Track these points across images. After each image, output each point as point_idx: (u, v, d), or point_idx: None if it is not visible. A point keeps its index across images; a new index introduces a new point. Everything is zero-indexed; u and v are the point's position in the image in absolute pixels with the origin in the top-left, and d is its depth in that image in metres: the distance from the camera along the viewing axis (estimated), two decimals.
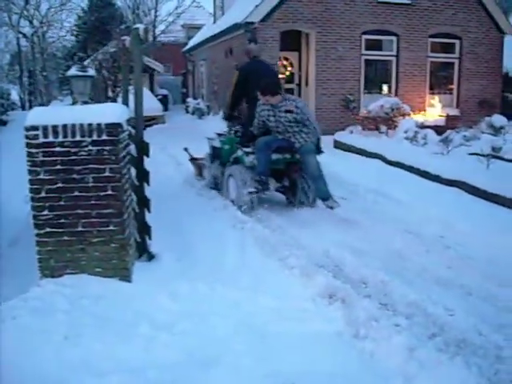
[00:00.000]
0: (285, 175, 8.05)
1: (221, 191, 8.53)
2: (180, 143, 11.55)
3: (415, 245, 6.44)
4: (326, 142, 14.12)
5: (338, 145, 13.79)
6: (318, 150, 7.83)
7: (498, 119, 14.95)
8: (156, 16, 35.16)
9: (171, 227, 6.45)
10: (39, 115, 4.55)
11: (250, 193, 7.52)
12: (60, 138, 4.45)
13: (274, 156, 7.72)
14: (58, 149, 4.46)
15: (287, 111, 7.58)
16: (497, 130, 14.30)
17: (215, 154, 8.95)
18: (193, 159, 10.19)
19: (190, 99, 25.81)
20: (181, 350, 3.68)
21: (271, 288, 4.88)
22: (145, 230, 5.44)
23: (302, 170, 7.75)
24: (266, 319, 4.25)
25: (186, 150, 10.45)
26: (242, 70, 9.01)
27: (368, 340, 4.00)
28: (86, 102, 10.66)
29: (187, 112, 24.54)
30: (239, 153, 8.05)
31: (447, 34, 16.82)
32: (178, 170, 11.26)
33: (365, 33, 15.94)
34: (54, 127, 4.42)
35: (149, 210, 5.47)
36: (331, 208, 7.46)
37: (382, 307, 4.64)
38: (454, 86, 17.38)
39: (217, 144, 8.88)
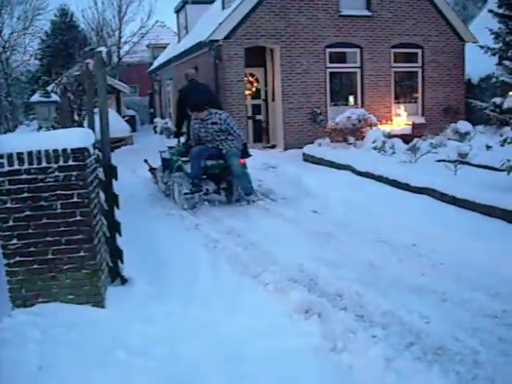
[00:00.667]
0: (221, 178, 9.43)
1: (171, 196, 9.76)
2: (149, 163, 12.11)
3: (388, 254, 6.48)
4: (295, 155, 14.28)
5: (307, 158, 13.86)
6: (247, 154, 9.58)
7: (463, 125, 15.20)
8: (120, 37, 35.02)
9: (143, 249, 6.40)
10: (3, 143, 4.48)
11: (186, 194, 8.88)
12: (26, 165, 4.38)
13: (209, 162, 9.18)
14: (24, 176, 4.39)
15: (213, 123, 9.08)
16: (462, 136, 14.53)
17: (165, 165, 10.32)
18: (151, 169, 11.64)
19: (157, 119, 25.74)
20: (157, 375, 3.63)
21: (246, 306, 4.86)
22: (117, 254, 5.38)
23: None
24: (242, 338, 4.23)
25: (145, 161, 11.87)
26: (180, 91, 10.94)
27: (345, 353, 4.00)
28: (52, 127, 10.58)
29: (155, 132, 24.46)
30: (179, 162, 9.53)
31: (409, 44, 17.07)
32: (146, 189, 11.22)
33: (329, 46, 16.10)
34: (19, 154, 4.36)
35: (120, 234, 5.41)
36: (253, 201, 9.09)
37: (359, 319, 4.65)
38: (419, 95, 17.62)
39: (166, 156, 10.39)
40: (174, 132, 11.32)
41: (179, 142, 10.75)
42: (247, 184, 9.15)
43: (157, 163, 11.25)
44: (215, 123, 9.09)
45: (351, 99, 16.84)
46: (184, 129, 11.11)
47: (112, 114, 14.86)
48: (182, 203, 9.05)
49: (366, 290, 5.19)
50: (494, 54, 15.80)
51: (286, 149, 15.56)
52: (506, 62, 15.43)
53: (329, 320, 4.49)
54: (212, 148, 9.15)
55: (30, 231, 4.46)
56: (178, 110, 10.91)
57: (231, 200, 9.48)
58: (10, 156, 4.35)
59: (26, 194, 4.41)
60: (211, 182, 9.38)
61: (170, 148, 10.72)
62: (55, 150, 4.40)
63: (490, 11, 16.39)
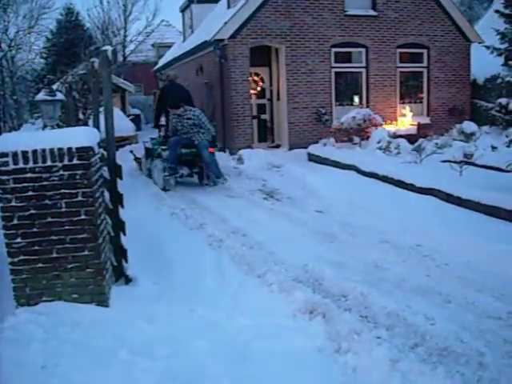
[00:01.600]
0: (194, 164, 11.19)
1: (152, 179, 11.57)
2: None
3: (393, 255, 6.46)
4: (300, 155, 14.26)
5: (312, 158, 13.83)
6: (215, 145, 11.32)
7: (469, 126, 15.14)
8: (125, 36, 35.11)
9: (148, 249, 6.38)
10: (8, 141, 4.48)
11: (165, 176, 10.70)
12: (30, 164, 4.38)
13: (184, 150, 10.91)
14: (28, 175, 4.39)
15: (188, 118, 10.78)
16: (468, 137, 14.49)
17: (148, 153, 12.23)
18: (136, 158, 13.42)
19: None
20: (160, 374, 3.62)
21: (250, 306, 4.84)
22: (121, 253, 5.37)
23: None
24: (246, 338, 4.21)
25: (131, 151, 13.69)
26: (161, 90, 12.97)
27: (350, 354, 3.98)
28: (57, 126, 10.58)
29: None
30: (159, 150, 11.30)
31: (415, 44, 17.01)
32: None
33: (334, 46, 16.04)
34: (24, 153, 4.36)
35: (124, 233, 5.40)
36: (222, 184, 10.74)
37: (363, 320, 4.64)
38: (424, 95, 17.55)
39: (149, 146, 12.17)
40: (154, 124, 13.55)
41: (159, 134, 12.72)
42: (216, 169, 10.81)
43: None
44: (190, 118, 10.79)
45: (356, 99, 16.78)
46: (163, 122, 13.04)
47: (117, 112, 14.91)
48: (160, 184, 10.86)
49: (371, 290, 5.18)
50: (499, 55, 15.73)
51: (290, 148, 15.53)
52: None
53: (333, 321, 4.48)
54: (186, 139, 10.83)
55: (35, 230, 4.46)
56: (157, 106, 13.10)
57: (202, 182, 11.34)
58: (14, 154, 4.34)
59: (30, 193, 4.41)
60: (186, 167, 11.17)
61: (152, 139, 12.45)
62: (60, 149, 4.39)
63: (497, 11, 16.32)
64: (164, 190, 10.66)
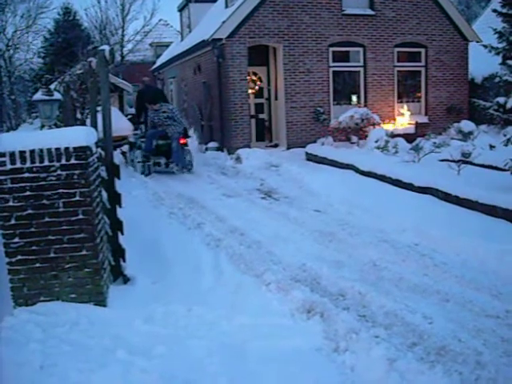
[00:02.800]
0: (169, 154, 12.70)
1: (134, 168, 13.05)
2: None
3: (391, 254, 6.46)
4: (298, 154, 14.26)
5: (310, 157, 13.83)
6: (187, 136, 13.21)
7: (467, 125, 15.16)
8: (123, 35, 35.02)
9: (146, 248, 6.38)
10: (6, 141, 4.47)
11: (139, 162, 12.70)
12: (28, 164, 4.38)
13: (160, 142, 12.70)
14: (26, 175, 4.39)
15: (163, 112, 12.64)
16: (466, 136, 14.50)
17: (131, 146, 13.74)
18: (123, 153, 14.57)
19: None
20: (158, 374, 3.62)
21: (248, 305, 4.84)
22: (119, 252, 5.37)
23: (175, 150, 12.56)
24: (244, 338, 4.22)
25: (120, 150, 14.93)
26: (138, 92, 15.36)
27: (348, 353, 3.99)
28: (55, 125, 10.56)
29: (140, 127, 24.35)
30: (139, 142, 13.04)
31: (412, 43, 17.00)
32: (147, 191, 11.21)
33: (332, 45, 16.04)
34: (22, 153, 4.36)
35: (122, 233, 5.40)
36: (188, 171, 12.69)
37: (361, 319, 4.64)
38: (422, 94, 17.55)
39: (132, 139, 13.71)
40: (135, 121, 15.25)
41: (141, 129, 14.25)
42: (182, 159, 12.60)
43: None
44: (165, 112, 12.67)
45: (354, 98, 16.77)
46: (142, 119, 14.65)
47: (115, 112, 14.99)
48: (139, 170, 12.63)
49: (369, 289, 5.19)
50: (497, 54, 15.74)
51: (288, 148, 15.52)
52: (510, 62, 15.37)
53: (331, 320, 4.48)
54: (161, 131, 12.65)
55: (32, 230, 4.46)
56: (137, 106, 15.12)
57: (179, 171, 12.81)
58: (12, 154, 4.34)
59: (28, 193, 4.41)
60: (163, 157, 12.82)
61: (135, 134, 13.96)
62: (57, 149, 4.39)
63: (494, 10, 16.33)
64: (144, 175, 12.37)
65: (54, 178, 4.43)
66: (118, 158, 13.43)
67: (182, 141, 12.65)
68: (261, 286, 5.37)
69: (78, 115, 15.26)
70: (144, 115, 14.30)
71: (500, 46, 15.67)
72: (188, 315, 4.59)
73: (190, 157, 12.85)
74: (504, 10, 15.86)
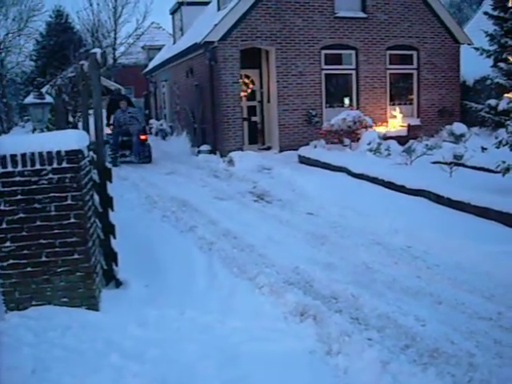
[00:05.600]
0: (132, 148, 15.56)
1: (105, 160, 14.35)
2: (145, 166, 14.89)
3: (383, 256, 6.47)
4: (291, 157, 14.27)
5: (303, 160, 13.84)
6: (145, 133, 16.36)
7: (459, 127, 15.21)
8: (115, 38, 34.97)
9: (138, 252, 6.36)
10: None
11: (109, 155, 14.76)
12: (19, 168, 4.36)
13: (125, 138, 15.44)
14: (17, 178, 4.37)
15: (129, 112, 15.67)
16: (457, 138, 14.55)
17: (105, 142, 14.22)
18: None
19: (152, 120, 25.68)
20: (151, 378, 3.60)
21: (241, 309, 4.84)
22: (111, 256, 5.35)
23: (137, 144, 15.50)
24: (237, 341, 4.21)
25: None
26: (110, 99, 18.08)
27: (341, 356, 3.98)
28: (47, 129, 10.53)
29: (151, 133, 24.39)
30: (108, 139, 14.71)
31: (404, 46, 17.06)
32: (140, 194, 11.19)
33: (324, 48, 16.07)
34: (13, 156, 4.33)
35: (114, 237, 5.38)
36: (146, 163, 15.47)
37: (354, 321, 4.64)
38: (414, 97, 17.61)
39: (105, 138, 14.14)
40: (106, 124, 16.20)
41: (111, 129, 16.25)
42: (142, 151, 15.62)
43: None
44: (130, 112, 15.70)
45: (346, 101, 16.81)
46: (111, 122, 16.44)
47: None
48: (108, 161, 13.52)
49: (362, 292, 5.19)
50: (489, 56, 15.83)
51: (281, 150, 15.53)
52: (501, 64, 15.45)
53: (324, 323, 4.48)
54: (125, 129, 15.43)
55: (24, 234, 4.43)
56: (107, 109, 16.85)
57: (139, 161, 15.57)
58: (3, 158, 4.32)
59: (19, 197, 4.39)
60: (128, 150, 15.64)
61: (107, 134, 15.54)
62: (49, 152, 4.37)
63: (485, 13, 16.44)
64: (114, 165, 13.97)
65: (45, 182, 4.40)
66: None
67: (142, 137, 15.71)
68: (254, 289, 5.37)
69: (70, 118, 15.35)
70: (112, 118, 16.38)
71: (491, 48, 15.77)
72: (181, 319, 4.58)
73: (148, 150, 15.81)
74: (495, 13, 15.98)
